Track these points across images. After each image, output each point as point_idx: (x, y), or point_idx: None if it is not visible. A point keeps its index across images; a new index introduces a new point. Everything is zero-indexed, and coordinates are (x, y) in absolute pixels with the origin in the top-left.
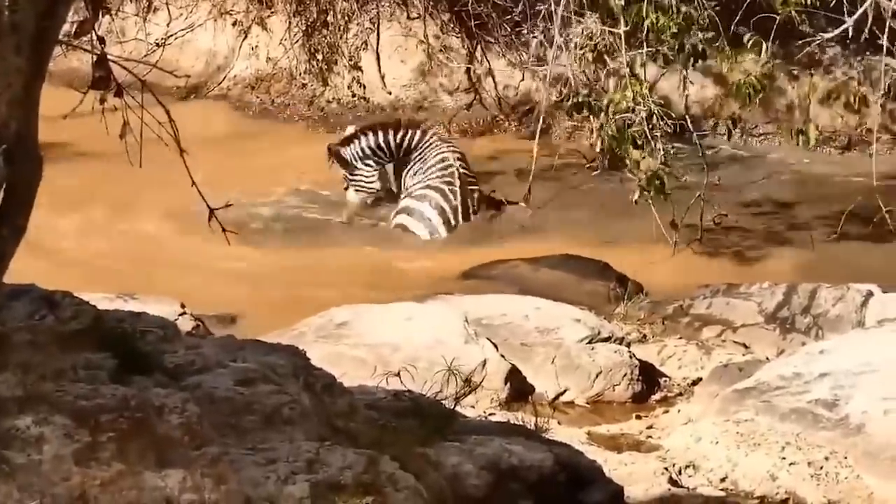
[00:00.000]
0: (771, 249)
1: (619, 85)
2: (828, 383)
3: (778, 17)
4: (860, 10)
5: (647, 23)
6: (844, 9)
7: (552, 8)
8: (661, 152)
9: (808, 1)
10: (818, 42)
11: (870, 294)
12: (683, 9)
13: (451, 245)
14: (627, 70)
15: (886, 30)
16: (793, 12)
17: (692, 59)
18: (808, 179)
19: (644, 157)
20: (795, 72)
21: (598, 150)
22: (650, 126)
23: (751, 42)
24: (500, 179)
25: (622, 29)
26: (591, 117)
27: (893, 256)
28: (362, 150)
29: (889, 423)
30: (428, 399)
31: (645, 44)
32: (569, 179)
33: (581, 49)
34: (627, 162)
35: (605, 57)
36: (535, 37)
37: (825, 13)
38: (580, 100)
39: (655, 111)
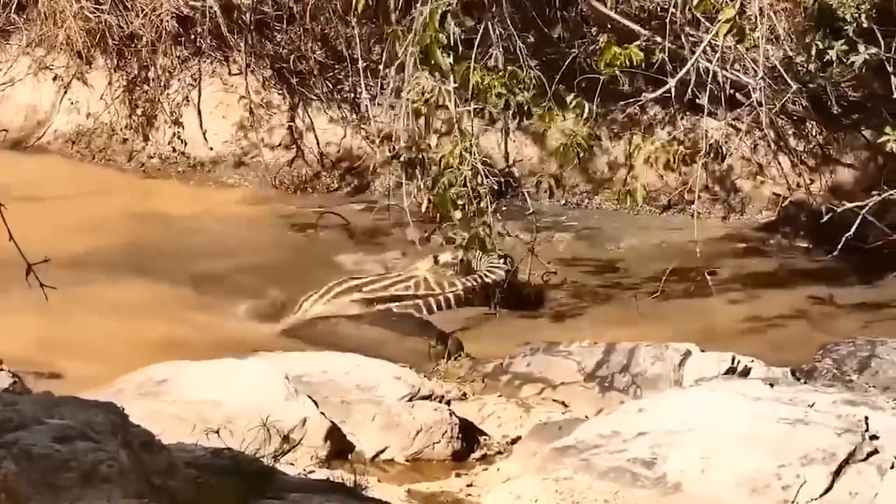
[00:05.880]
0: (591, 308)
1: (441, 142)
2: (646, 442)
3: (602, 78)
4: (682, 72)
5: (472, 81)
6: (667, 70)
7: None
8: (487, 213)
9: (633, 62)
10: (641, 103)
11: (688, 353)
12: (510, 68)
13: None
14: (456, 126)
15: (707, 91)
16: (617, 72)
17: (517, 118)
18: (629, 239)
19: (467, 216)
20: (617, 131)
21: (423, 209)
22: (475, 184)
23: (574, 103)
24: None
25: (451, 85)
26: (420, 175)
27: (711, 315)
28: None
29: (706, 481)
30: (247, 457)
31: (470, 101)
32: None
33: (414, 103)
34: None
35: (435, 112)
36: (358, 96)
37: (646, 73)
38: (412, 156)
39: (480, 169)
